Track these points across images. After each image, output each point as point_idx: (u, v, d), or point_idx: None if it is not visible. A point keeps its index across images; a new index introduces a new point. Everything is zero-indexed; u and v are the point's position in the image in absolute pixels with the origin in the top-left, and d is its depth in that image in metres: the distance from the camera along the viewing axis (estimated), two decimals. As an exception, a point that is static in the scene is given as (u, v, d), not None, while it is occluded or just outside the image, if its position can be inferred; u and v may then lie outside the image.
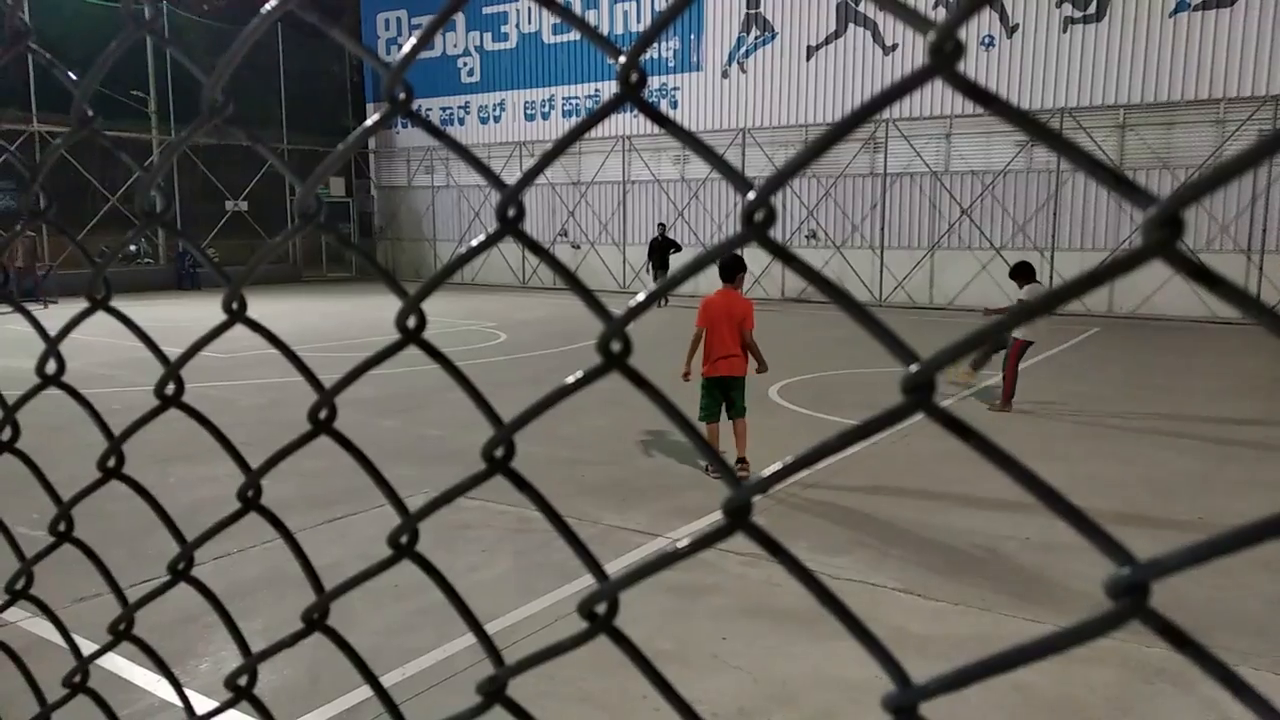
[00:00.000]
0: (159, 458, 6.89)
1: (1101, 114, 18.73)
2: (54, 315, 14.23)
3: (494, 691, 0.57)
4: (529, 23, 26.13)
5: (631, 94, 0.47)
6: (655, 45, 23.47)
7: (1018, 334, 9.32)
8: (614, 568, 5.21)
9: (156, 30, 0.67)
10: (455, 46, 27.55)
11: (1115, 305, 18.67)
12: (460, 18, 27.33)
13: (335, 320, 17.70)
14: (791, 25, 21.98)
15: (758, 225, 0.43)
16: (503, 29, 26.65)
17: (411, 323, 0.59)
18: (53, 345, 0.80)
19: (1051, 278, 19.50)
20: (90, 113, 0.73)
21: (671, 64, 23.88)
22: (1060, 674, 3.99)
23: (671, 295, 20.94)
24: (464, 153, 0.59)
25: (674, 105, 24.05)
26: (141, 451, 6.36)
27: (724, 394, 7.07)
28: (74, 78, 0.77)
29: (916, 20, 0.39)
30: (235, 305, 0.68)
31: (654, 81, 24.25)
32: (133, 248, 23.64)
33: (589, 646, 0.62)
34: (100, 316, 0.87)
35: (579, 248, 25.62)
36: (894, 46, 20.79)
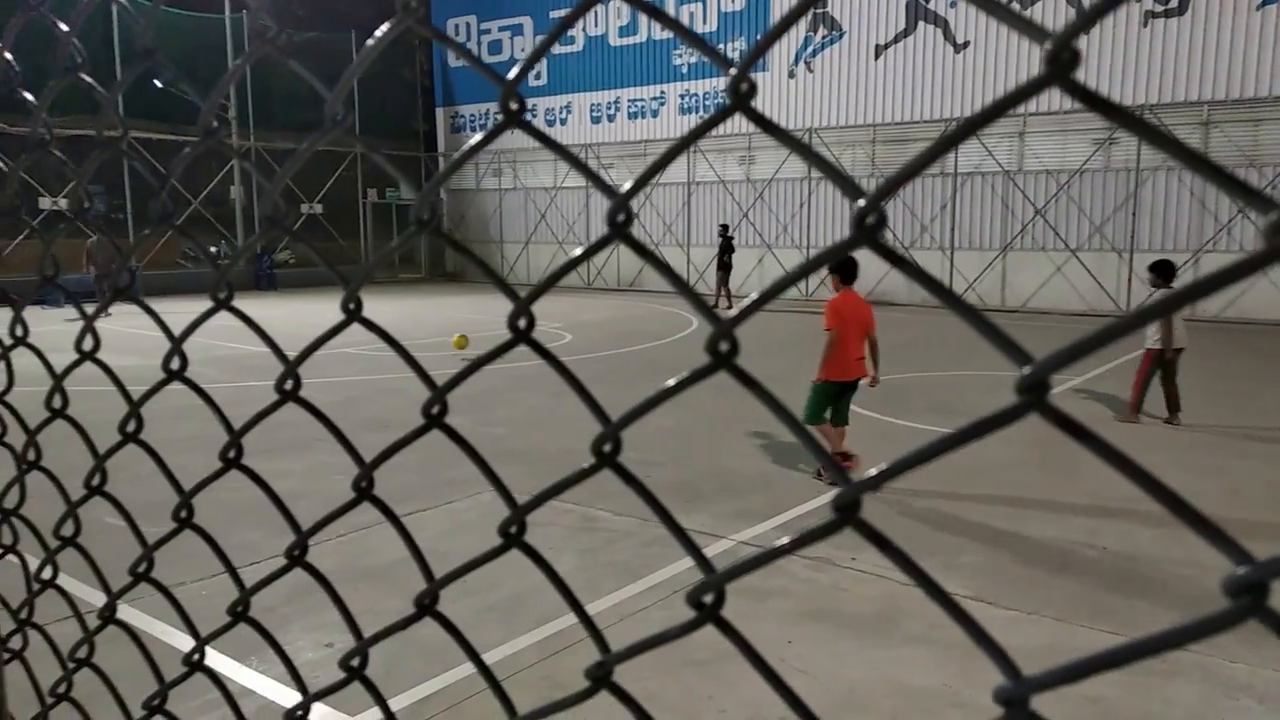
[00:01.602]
0: (253, 452, 7.11)
1: (1184, 110, 18.09)
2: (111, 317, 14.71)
3: (601, 677, 0.60)
4: (595, 26, 26.31)
5: (742, 104, 0.49)
6: (720, 44, 23.38)
7: (1148, 342, 8.84)
8: (678, 568, 5.23)
9: (281, 46, 0.71)
10: (523, 51, 27.86)
11: (1199, 309, 18.01)
12: (528, 21, 27.65)
13: (409, 321, 18.07)
14: (860, 24, 21.71)
15: (868, 229, 0.44)
16: (569, 32, 26.87)
17: (522, 323, 0.62)
18: (177, 344, 0.85)
19: (1130, 280, 18.91)
20: (215, 124, 0.78)
21: (730, 58, 23.80)
22: (1137, 687, 3.87)
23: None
24: (574, 160, 0.61)
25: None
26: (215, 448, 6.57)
27: (839, 398, 6.95)
28: (162, 86, 0.81)
29: (1031, 30, 0.40)
30: (352, 305, 0.72)
31: (719, 82, 24.19)
32: (213, 249, 24.45)
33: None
34: (177, 317, 0.93)
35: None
36: (965, 44, 20.39)
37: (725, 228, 21.47)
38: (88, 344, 0.97)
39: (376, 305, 21.84)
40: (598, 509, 6.19)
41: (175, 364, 0.87)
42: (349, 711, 3.56)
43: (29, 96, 0.97)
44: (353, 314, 0.72)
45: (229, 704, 0.98)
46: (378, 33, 0.63)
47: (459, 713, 3.74)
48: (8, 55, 1.00)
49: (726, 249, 20.98)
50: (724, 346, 0.50)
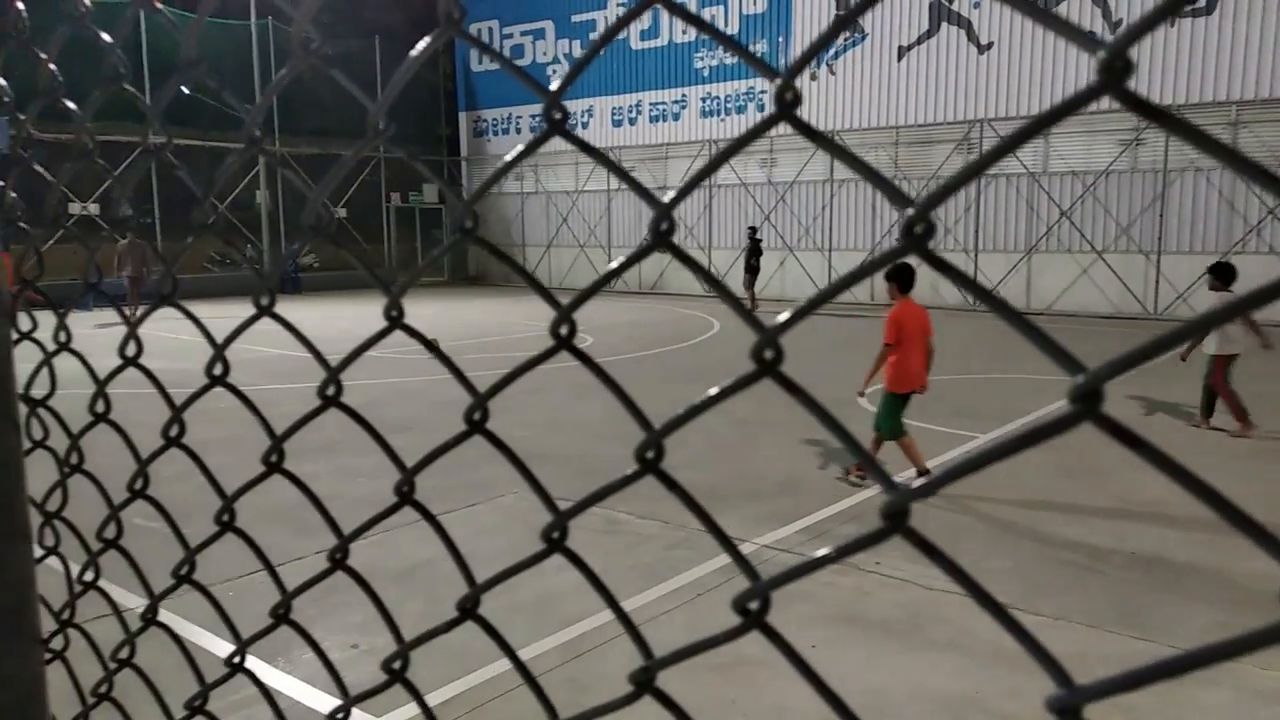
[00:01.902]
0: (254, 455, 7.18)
1: (1213, 110, 17.87)
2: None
3: (645, 682, 0.60)
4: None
5: (788, 113, 0.49)
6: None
7: (1210, 349, 8.55)
8: (702, 571, 5.23)
9: (323, 56, 0.72)
10: (545, 55, 27.98)
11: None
12: (550, 26, 27.76)
13: (426, 323, 18.17)
14: (882, 25, 21.62)
15: (918, 237, 0.44)
16: (591, 36, 26.94)
17: (564, 331, 0.62)
18: (220, 350, 0.87)
19: (1158, 282, 18.70)
20: (259, 134, 0.79)
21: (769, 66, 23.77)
22: (1169, 695, 3.82)
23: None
24: (617, 169, 0.62)
25: (761, 109, 23.91)
26: (247, 450, 6.65)
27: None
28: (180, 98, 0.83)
29: (1083, 40, 0.40)
30: (395, 313, 0.73)
31: (741, 85, 24.18)
32: (248, 254, 24.72)
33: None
34: (207, 322, 0.95)
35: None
36: (989, 45, 20.26)
37: (754, 230, 21.25)
38: (130, 349, 0.98)
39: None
40: (620, 511, 6.20)
41: (218, 370, 0.88)
42: (374, 713, 3.58)
43: (73, 106, 0.99)
44: (395, 320, 0.72)
45: (270, 706, 0.99)
46: (420, 44, 0.64)
47: (482, 715, 3.76)
48: (53, 66, 1.02)
49: (754, 251, 20.74)
50: (769, 354, 0.50)
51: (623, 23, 0.57)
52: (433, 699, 3.88)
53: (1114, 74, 0.39)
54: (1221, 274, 8.74)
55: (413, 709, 3.81)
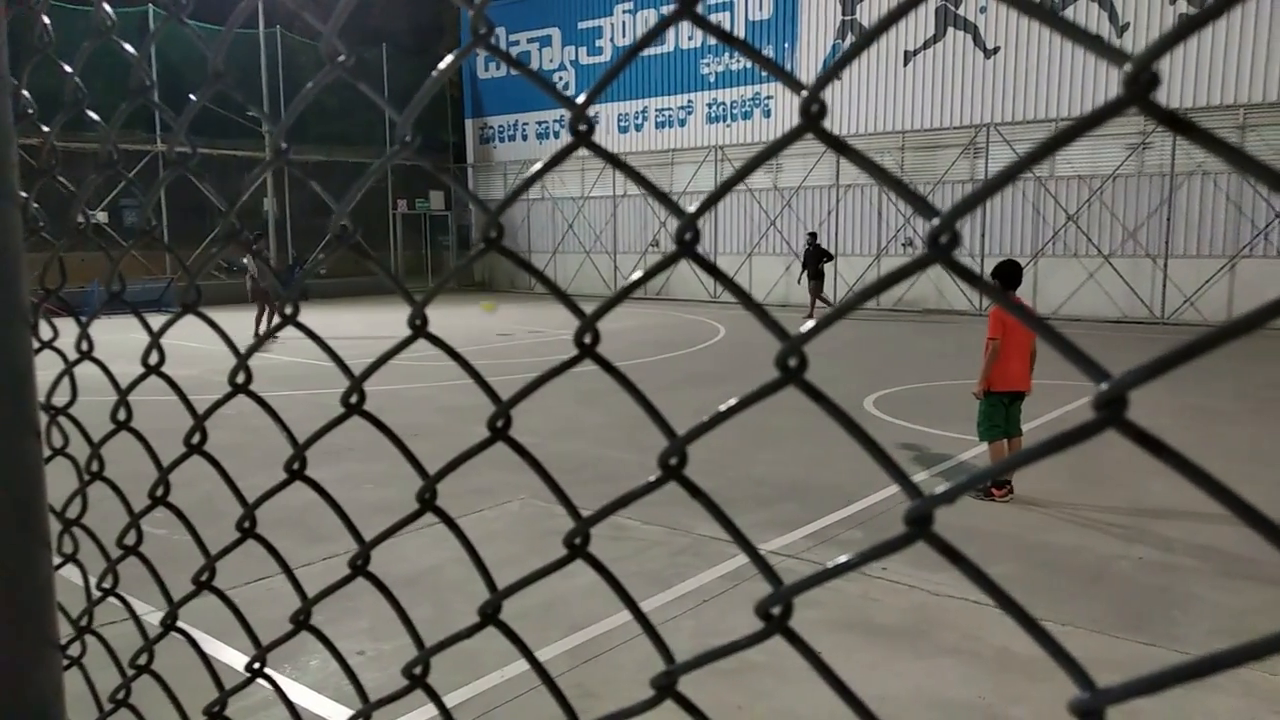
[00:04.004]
0: (272, 463, 7.21)
1: (1220, 114, 17.85)
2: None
3: (666, 686, 0.61)
4: (622, 36, 26.43)
5: (814, 125, 0.50)
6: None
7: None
8: (707, 578, 5.23)
9: (350, 69, 0.73)
10: (551, 61, 28.06)
11: (1237, 311, 17.70)
12: (556, 33, 27.83)
13: (442, 330, 18.18)
14: (889, 30, 21.61)
15: (943, 247, 0.45)
16: (597, 43, 27.02)
17: (588, 339, 0.63)
18: (243, 360, 0.88)
19: (1165, 286, 18.66)
20: (285, 145, 0.80)
21: (765, 73, 23.81)
22: (1177, 700, 3.81)
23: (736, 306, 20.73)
24: (641, 179, 0.63)
25: (767, 115, 23.94)
26: (249, 457, 6.65)
27: (1008, 409, 6.76)
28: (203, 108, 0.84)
29: (1112, 54, 0.41)
30: (419, 321, 0.73)
31: (747, 90, 24.21)
32: (245, 260, 24.78)
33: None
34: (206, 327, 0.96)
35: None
36: (996, 49, 20.27)
37: (814, 235, 20.52)
38: (153, 358, 0.99)
39: (403, 316, 22.04)
40: (626, 518, 6.20)
41: (241, 378, 0.89)
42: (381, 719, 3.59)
43: (96, 118, 1.00)
44: (419, 329, 0.73)
45: (290, 713, 1.00)
46: (447, 59, 0.65)
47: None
48: (78, 80, 1.03)
49: (817, 257, 19.82)
50: (793, 362, 0.51)
51: (651, 35, 0.57)
52: (446, 702, 3.89)
53: (1140, 87, 0.39)
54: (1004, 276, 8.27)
55: (418, 715, 3.81)
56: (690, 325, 18.95)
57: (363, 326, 18.58)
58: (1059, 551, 5.65)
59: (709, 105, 25.03)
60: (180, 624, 1.14)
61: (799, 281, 20.84)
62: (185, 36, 0.91)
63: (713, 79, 24.82)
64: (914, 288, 20.30)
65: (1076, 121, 0.40)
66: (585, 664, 4.22)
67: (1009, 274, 6.61)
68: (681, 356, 14.32)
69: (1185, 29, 0.37)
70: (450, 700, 3.90)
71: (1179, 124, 0.40)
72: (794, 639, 0.54)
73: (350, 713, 1.55)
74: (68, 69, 1.01)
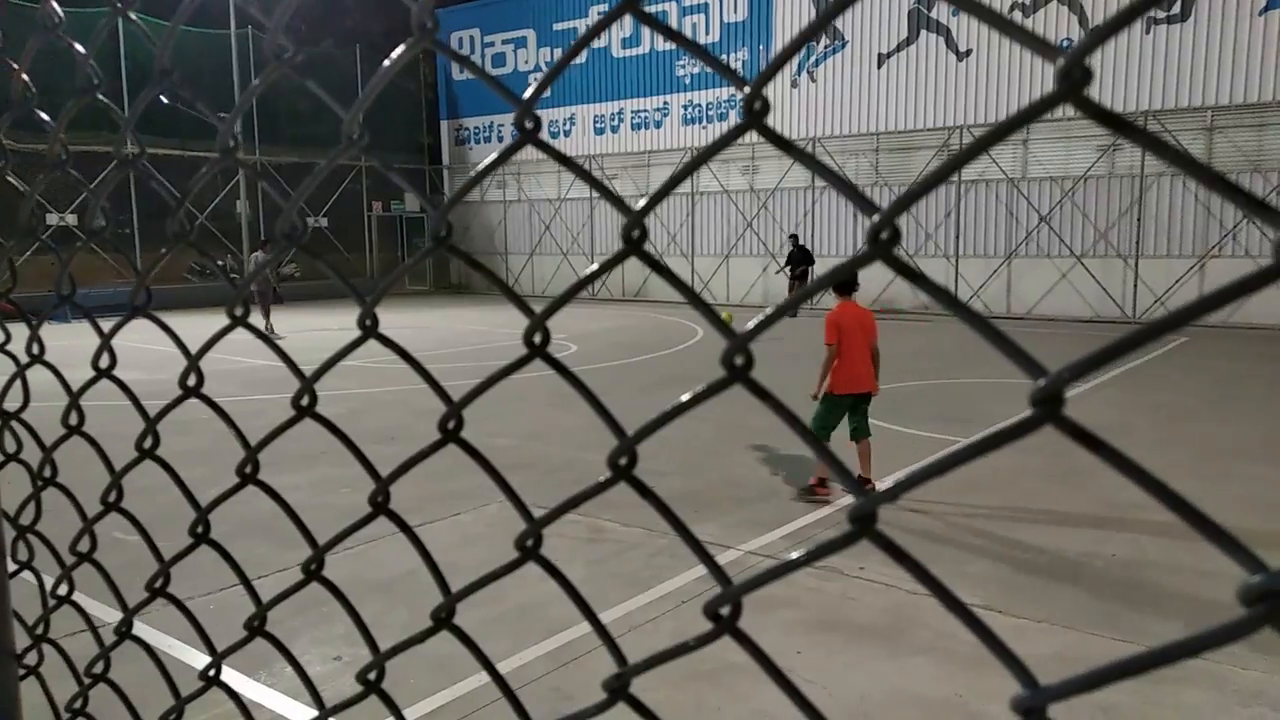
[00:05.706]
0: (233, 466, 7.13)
1: (1188, 116, 18.11)
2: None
3: (619, 689, 0.60)
4: (598, 39, 26.39)
5: (757, 121, 0.50)
6: (723, 55, 23.43)
7: None
8: (686, 579, 5.22)
9: (296, 65, 0.72)
10: (526, 63, 28.00)
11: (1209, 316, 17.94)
12: (531, 34, 27.78)
13: (415, 333, 18.11)
14: (862, 33, 21.78)
15: (883, 244, 0.45)
16: (572, 44, 26.99)
17: (538, 339, 0.62)
18: (194, 361, 0.86)
19: (1136, 286, 18.90)
20: (233, 143, 0.79)
21: (740, 74, 23.87)
22: (1148, 695, 3.85)
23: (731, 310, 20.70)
24: (588, 177, 0.62)
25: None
26: (224, 462, 6.59)
27: (847, 412, 6.80)
28: (171, 109, 0.82)
29: (1044, 47, 0.40)
30: (369, 322, 0.72)
31: (723, 93, 24.27)
32: (220, 262, 24.57)
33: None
34: (184, 332, 0.94)
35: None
36: (968, 52, 20.44)
37: (795, 237, 20.68)
38: (104, 361, 0.98)
39: (384, 318, 21.97)
40: (605, 519, 6.19)
41: (192, 380, 0.88)
42: (358, 725, 3.55)
43: (45, 117, 0.98)
44: (369, 330, 0.72)
45: (245, 718, 0.98)
46: (394, 53, 0.64)
47: (468, 725, 3.74)
48: (25, 77, 1.01)
49: (801, 259, 19.99)
50: (739, 361, 0.51)
51: (592, 34, 0.57)
52: (421, 708, 3.86)
53: (1073, 83, 0.39)
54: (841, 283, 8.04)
55: (413, 713, 3.79)
56: (667, 327, 18.96)
57: (340, 329, 18.45)
58: (1034, 550, 5.69)
59: (685, 107, 25.07)
60: (135, 631, 1.12)
61: (777, 273, 20.90)
62: (155, 35, 0.90)
63: (688, 81, 24.86)
64: (888, 290, 20.42)
65: (1010, 118, 0.40)
66: (563, 667, 4.20)
67: (849, 281, 6.70)
68: (656, 359, 14.32)
69: (1116, 24, 0.37)
70: (428, 704, 3.88)
71: (1112, 120, 0.40)
72: (742, 639, 0.54)
73: None
74: (14, 65, 0.99)
